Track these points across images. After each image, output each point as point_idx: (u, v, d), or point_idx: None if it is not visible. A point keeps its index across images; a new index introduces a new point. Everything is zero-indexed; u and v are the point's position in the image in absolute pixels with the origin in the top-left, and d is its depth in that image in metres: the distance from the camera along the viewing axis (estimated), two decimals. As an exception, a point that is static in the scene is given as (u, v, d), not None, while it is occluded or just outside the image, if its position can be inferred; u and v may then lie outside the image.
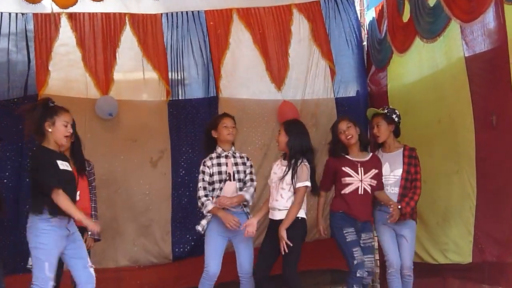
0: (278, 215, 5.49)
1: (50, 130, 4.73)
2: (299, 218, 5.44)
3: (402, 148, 5.92)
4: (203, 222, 5.81)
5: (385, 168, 5.89)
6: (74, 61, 7.26)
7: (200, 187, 5.80)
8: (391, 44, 7.03)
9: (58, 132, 4.76)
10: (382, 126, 5.91)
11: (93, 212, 5.96)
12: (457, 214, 6.24)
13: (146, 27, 7.48)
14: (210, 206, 5.70)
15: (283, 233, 5.32)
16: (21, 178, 6.84)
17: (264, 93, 7.76)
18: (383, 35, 7.36)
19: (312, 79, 7.95)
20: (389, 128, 5.90)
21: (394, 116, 5.92)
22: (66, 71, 7.25)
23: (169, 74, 7.51)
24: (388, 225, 5.84)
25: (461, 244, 6.21)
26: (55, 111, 4.79)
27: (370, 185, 5.62)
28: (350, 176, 5.61)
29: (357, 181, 5.60)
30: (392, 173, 5.87)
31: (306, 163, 5.44)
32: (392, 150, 5.93)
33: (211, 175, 5.80)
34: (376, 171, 5.63)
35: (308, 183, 5.43)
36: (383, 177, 5.85)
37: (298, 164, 5.41)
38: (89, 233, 5.68)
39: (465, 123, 6.02)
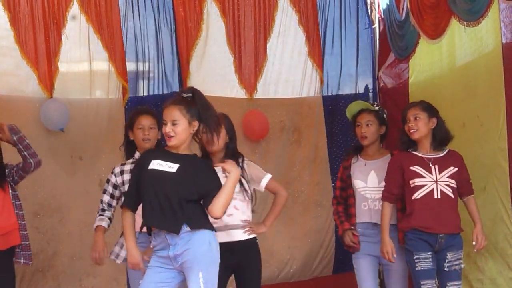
0: (235, 235, 4.52)
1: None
2: (255, 238, 4.61)
3: (390, 154, 5.21)
4: (116, 248, 4.98)
5: (371, 179, 5.15)
6: (7, 48, 6.27)
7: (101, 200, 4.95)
8: (418, 28, 6.24)
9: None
10: (372, 125, 5.17)
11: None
12: (491, 244, 5.48)
13: (99, 4, 6.49)
14: (96, 223, 4.91)
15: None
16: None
17: (233, 94, 6.99)
18: (403, 16, 6.62)
19: (297, 79, 7.18)
20: (380, 130, 5.22)
21: (385, 116, 5.33)
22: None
23: (127, 65, 6.59)
24: (370, 254, 5.09)
25: (500, 282, 5.47)
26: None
27: (449, 186, 4.79)
28: (421, 176, 4.79)
29: (431, 182, 4.78)
30: (381, 184, 5.08)
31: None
32: (376, 156, 5.20)
33: (115, 187, 4.89)
34: (455, 169, 4.82)
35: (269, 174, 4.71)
36: (366, 190, 5.12)
37: (241, 164, 4.59)
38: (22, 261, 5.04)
39: (496, 127, 5.43)
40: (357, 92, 7.24)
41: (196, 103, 3.98)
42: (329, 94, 7.17)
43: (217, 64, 6.87)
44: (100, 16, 6.43)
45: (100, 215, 4.88)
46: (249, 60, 6.90)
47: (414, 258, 4.69)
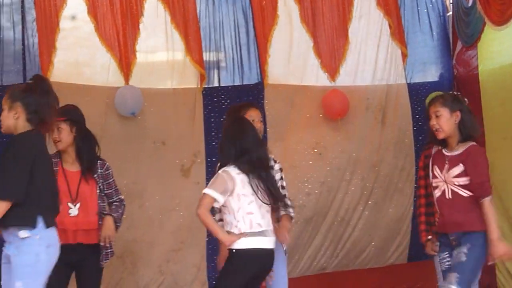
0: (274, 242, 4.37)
1: None
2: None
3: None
4: None
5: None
6: (85, 36, 6.31)
7: None
8: (484, 14, 6.13)
9: None
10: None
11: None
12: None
13: (175, -7, 6.56)
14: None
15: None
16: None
17: (314, 79, 6.90)
18: (470, 2, 6.57)
19: (379, 62, 7.05)
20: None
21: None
22: (76, 50, 6.31)
23: (204, 55, 6.56)
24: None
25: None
26: None
27: (461, 185, 4.37)
28: (435, 177, 4.52)
29: (442, 182, 4.47)
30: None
31: None
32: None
33: None
34: (462, 167, 4.35)
35: None
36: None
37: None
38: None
39: None
40: (434, 80, 7.16)
41: (35, 91, 3.86)
42: (411, 80, 7.09)
43: (295, 50, 6.82)
44: (176, 5, 6.39)
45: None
46: (330, 44, 6.83)
47: (438, 260, 4.55)
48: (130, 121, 6.32)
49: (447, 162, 4.40)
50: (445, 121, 4.36)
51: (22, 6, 6.12)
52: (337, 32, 6.84)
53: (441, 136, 4.39)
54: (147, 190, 6.36)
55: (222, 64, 6.75)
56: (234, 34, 6.69)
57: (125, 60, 6.26)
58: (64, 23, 6.18)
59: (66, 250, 4.34)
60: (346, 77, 6.89)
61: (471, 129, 4.40)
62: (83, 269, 4.69)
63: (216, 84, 6.68)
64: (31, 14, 6.14)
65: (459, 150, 4.39)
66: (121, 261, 6.14)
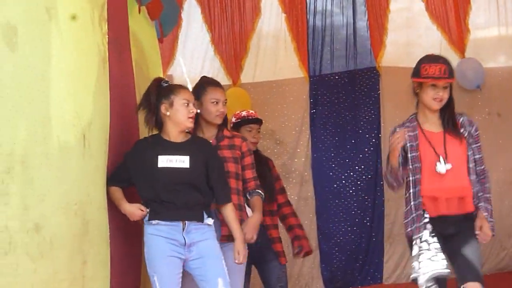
0: None
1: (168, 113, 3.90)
2: None
3: None
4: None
5: None
6: (414, 16, 6.47)
7: None
8: None
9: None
10: None
11: None
12: None
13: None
14: None
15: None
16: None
17: None
18: None
19: None
20: None
21: None
22: (404, 30, 6.48)
23: None
24: None
25: None
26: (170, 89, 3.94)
27: None
28: None
29: None
30: None
31: None
32: None
33: None
34: None
35: None
36: None
37: None
38: None
39: None
40: None
41: None
42: None
43: None
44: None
45: None
46: None
47: None
48: (466, 93, 6.27)
49: None
50: None
51: (353, -9, 6.47)
52: None
53: None
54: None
55: None
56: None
57: (459, 35, 6.31)
58: (393, 5, 6.38)
59: (438, 222, 3.93)
60: None
61: None
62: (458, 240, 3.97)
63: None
64: (363, -1, 6.49)
65: None
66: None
